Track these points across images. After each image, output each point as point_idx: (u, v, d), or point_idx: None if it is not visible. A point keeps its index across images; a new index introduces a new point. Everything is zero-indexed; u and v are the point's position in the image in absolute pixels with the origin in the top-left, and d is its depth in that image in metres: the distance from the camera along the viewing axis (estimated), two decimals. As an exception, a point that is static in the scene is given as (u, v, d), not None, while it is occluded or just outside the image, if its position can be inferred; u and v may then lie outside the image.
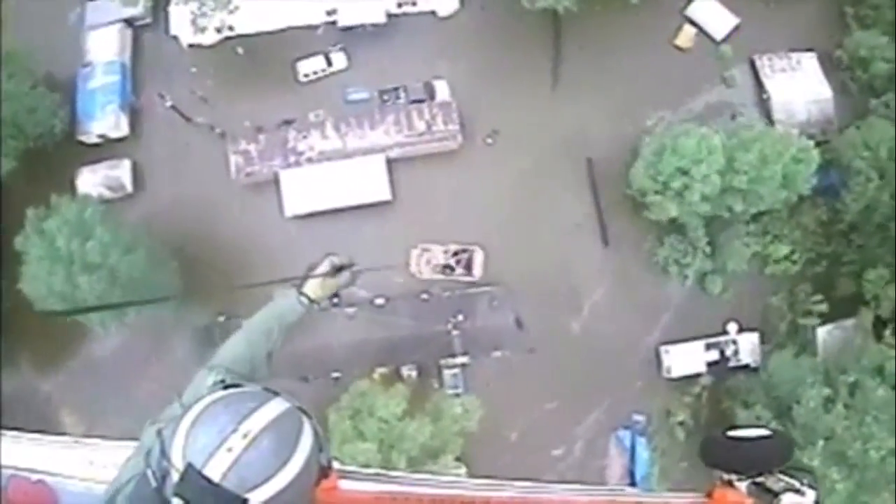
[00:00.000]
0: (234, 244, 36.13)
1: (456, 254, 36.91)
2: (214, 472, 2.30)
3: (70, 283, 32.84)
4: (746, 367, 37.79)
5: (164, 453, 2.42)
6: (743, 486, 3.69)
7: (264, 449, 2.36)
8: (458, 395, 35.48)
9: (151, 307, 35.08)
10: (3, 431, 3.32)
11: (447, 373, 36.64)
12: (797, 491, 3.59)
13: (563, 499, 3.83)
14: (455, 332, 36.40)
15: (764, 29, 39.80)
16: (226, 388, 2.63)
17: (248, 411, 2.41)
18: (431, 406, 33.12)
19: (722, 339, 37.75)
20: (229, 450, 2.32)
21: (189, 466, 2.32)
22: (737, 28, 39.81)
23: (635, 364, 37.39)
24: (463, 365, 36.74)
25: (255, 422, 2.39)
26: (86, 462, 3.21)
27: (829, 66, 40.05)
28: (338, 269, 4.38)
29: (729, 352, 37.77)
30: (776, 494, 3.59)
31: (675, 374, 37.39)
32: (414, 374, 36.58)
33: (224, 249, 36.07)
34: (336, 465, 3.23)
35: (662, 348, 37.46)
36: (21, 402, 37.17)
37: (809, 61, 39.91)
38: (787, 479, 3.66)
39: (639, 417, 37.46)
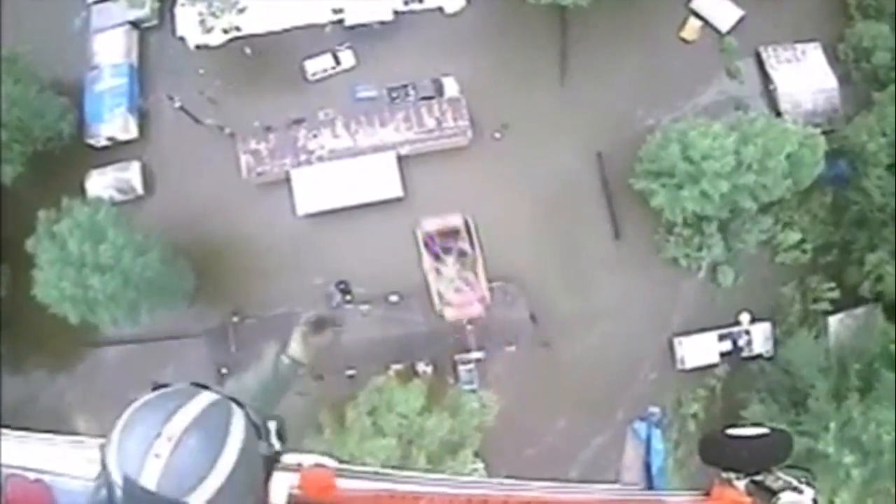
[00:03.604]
0: (247, 244, 36.11)
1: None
2: (149, 480, 2.23)
3: (82, 286, 32.79)
4: (759, 356, 37.94)
5: (104, 467, 2.36)
6: (741, 484, 3.65)
7: (191, 449, 2.28)
8: (473, 391, 35.51)
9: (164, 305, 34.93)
10: (2, 430, 3.27)
11: (462, 368, 36.65)
12: (796, 489, 3.57)
13: (562, 497, 3.75)
14: (469, 328, 36.37)
15: (768, 20, 40.06)
16: (154, 388, 2.55)
17: (169, 413, 2.33)
18: (449, 401, 33.13)
19: (735, 329, 37.90)
20: (157, 456, 2.24)
21: (126, 479, 2.26)
22: (742, 20, 40.05)
23: (649, 355, 37.48)
24: (478, 360, 36.75)
25: (178, 422, 2.31)
26: (85, 461, 3.18)
27: (834, 57, 40.34)
28: (320, 325, 4.22)
29: (742, 342, 37.90)
30: (775, 492, 3.56)
31: (689, 365, 37.51)
32: (429, 370, 36.57)
33: (236, 249, 36.06)
34: (333, 463, 3.22)
35: (676, 339, 37.57)
36: (32, 406, 37.09)
37: (814, 52, 40.17)
38: (785, 477, 3.64)
39: (654, 409, 37.52)
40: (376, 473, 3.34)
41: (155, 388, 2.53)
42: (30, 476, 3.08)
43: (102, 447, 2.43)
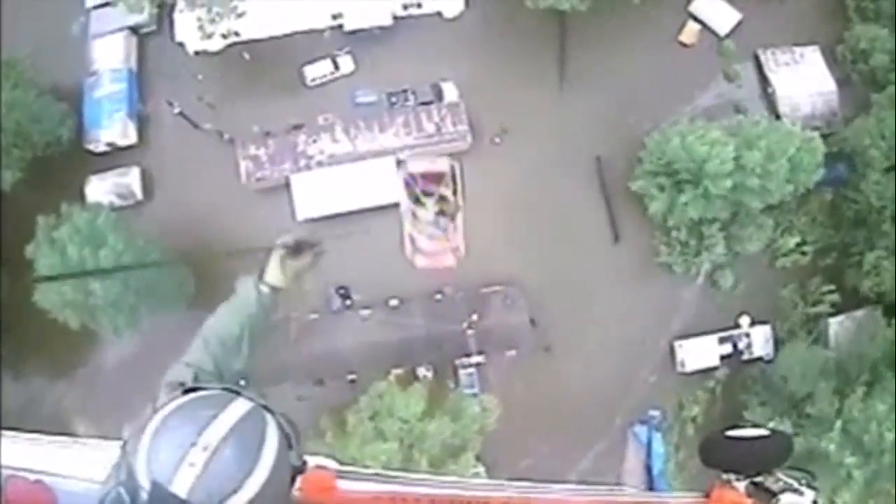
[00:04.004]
0: (247, 249, 36.06)
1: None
2: (181, 488, 2.21)
3: (83, 291, 32.80)
4: (759, 359, 38.04)
5: (130, 471, 2.31)
6: (741, 485, 3.71)
7: (227, 459, 2.26)
8: (474, 395, 35.53)
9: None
10: (2, 431, 3.26)
11: (463, 373, 36.69)
12: (796, 491, 3.63)
13: (562, 499, 3.80)
14: (469, 332, 36.39)
15: (767, 24, 40.15)
16: (185, 391, 2.52)
17: (206, 421, 2.31)
18: (450, 405, 33.13)
19: (735, 332, 37.98)
20: (191, 465, 2.22)
21: (155, 485, 2.23)
22: (740, 23, 40.17)
23: (649, 359, 37.54)
24: (478, 364, 36.78)
25: (215, 432, 2.28)
26: (85, 462, 3.18)
27: (833, 60, 40.44)
28: (298, 249, 3.99)
29: (742, 345, 37.98)
30: (775, 494, 3.62)
31: (689, 368, 37.57)
32: (429, 374, 36.59)
33: (236, 254, 36.00)
34: (334, 464, 3.24)
35: (676, 343, 37.63)
36: (33, 410, 37.06)
37: (813, 55, 40.27)
38: (785, 478, 3.69)
39: (654, 412, 37.57)
40: (377, 475, 3.37)
41: (186, 392, 2.52)
42: (30, 477, 3.07)
43: (124, 448, 2.41)
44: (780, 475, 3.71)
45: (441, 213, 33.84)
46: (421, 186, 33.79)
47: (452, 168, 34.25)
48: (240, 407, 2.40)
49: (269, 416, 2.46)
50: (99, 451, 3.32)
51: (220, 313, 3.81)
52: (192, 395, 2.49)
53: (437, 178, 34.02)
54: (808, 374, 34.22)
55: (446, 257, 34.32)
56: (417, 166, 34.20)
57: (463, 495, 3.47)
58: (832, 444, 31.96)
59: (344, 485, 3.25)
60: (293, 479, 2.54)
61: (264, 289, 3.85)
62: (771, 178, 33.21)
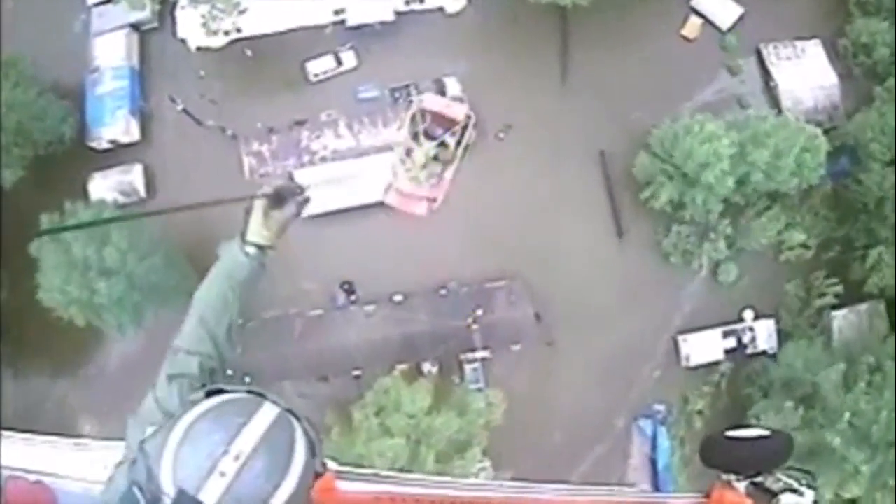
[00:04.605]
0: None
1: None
2: (209, 498, 2.17)
3: (88, 290, 32.70)
4: (764, 353, 38.00)
5: (151, 476, 2.27)
6: (742, 486, 3.70)
7: (258, 469, 2.22)
8: (479, 390, 35.51)
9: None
10: (2, 432, 3.23)
11: (468, 367, 36.65)
12: (796, 491, 3.62)
13: (561, 499, 3.78)
14: (474, 327, 36.36)
15: (769, 18, 40.12)
16: (208, 394, 2.45)
17: (236, 429, 2.26)
18: (456, 400, 33.11)
19: (739, 326, 37.97)
20: (222, 474, 2.18)
21: (181, 493, 2.18)
22: (742, 17, 40.10)
23: (654, 353, 37.54)
24: (483, 359, 36.75)
25: (246, 440, 2.24)
26: (84, 462, 3.16)
27: (834, 53, 40.47)
28: (280, 198, 3.63)
29: (746, 339, 37.98)
30: (775, 494, 3.62)
31: (694, 362, 37.57)
32: (434, 369, 36.55)
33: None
34: (334, 465, 3.22)
35: (680, 337, 37.61)
36: (37, 410, 36.99)
37: (814, 48, 40.28)
38: (785, 479, 3.68)
39: (659, 407, 37.58)
40: (376, 476, 3.37)
41: (209, 394, 2.45)
42: (30, 477, 3.06)
43: (143, 449, 2.35)
44: (780, 475, 3.70)
45: (436, 158, 32.81)
46: (427, 125, 32.62)
47: (467, 118, 33.32)
48: (268, 413, 2.35)
49: (295, 423, 2.42)
50: (98, 451, 3.30)
51: (210, 285, 3.51)
52: (217, 400, 2.41)
53: (447, 122, 33.05)
54: (813, 367, 34.24)
55: (419, 205, 33.23)
56: (432, 104, 33.07)
57: (461, 496, 3.45)
58: (838, 437, 32.00)
59: (344, 485, 3.23)
60: (313, 484, 2.47)
61: (250, 249, 3.54)
62: (778, 174, 33.24)
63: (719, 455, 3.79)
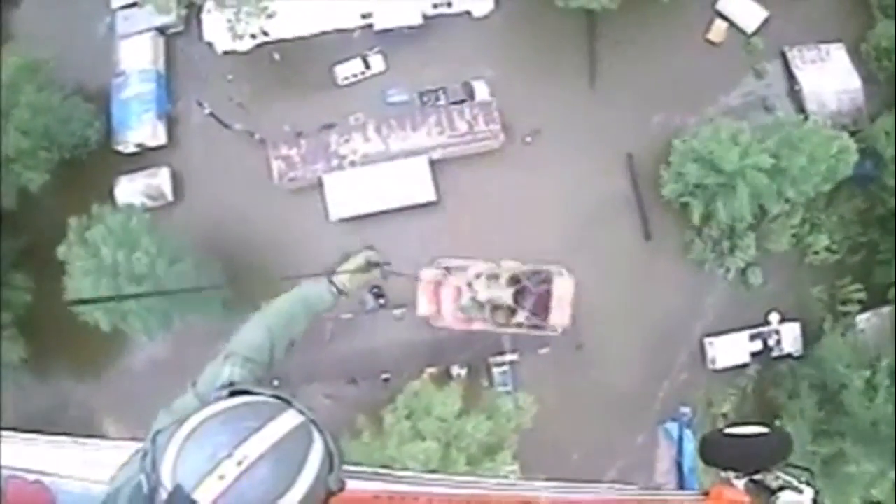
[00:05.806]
0: (280, 250, 36.01)
1: (518, 281, 30.15)
2: (203, 498, 2.07)
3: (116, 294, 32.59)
4: (789, 356, 38.16)
5: (154, 466, 2.20)
6: (741, 483, 3.74)
7: (260, 479, 2.10)
8: (508, 393, 35.56)
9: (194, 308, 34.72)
10: (2, 432, 3.23)
11: (496, 371, 36.73)
12: (795, 488, 3.65)
13: (563, 497, 3.78)
14: (503, 330, 36.33)
15: (793, 21, 40.26)
16: (232, 394, 2.38)
17: (246, 433, 2.15)
18: (486, 403, 33.16)
19: (765, 329, 38.11)
20: (221, 477, 2.08)
21: (177, 489, 2.10)
22: (767, 21, 40.23)
23: (680, 356, 37.66)
24: (512, 363, 36.80)
25: (253, 447, 2.13)
26: (84, 462, 3.17)
27: (858, 57, 40.57)
28: (371, 265, 4.48)
29: (772, 342, 38.14)
30: (774, 492, 3.65)
31: (720, 365, 37.70)
32: (463, 373, 36.64)
33: (269, 255, 35.94)
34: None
35: (707, 340, 37.75)
36: (63, 411, 37.05)
37: (838, 52, 40.38)
38: (784, 476, 3.71)
39: (685, 409, 37.63)
40: (375, 473, 3.33)
41: (233, 395, 2.37)
42: (29, 477, 3.07)
43: (154, 439, 2.30)
44: (779, 473, 3.73)
45: (496, 308, 31.25)
46: (529, 300, 31.11)
47: (555, 329, 31.66)
48: (287, 421, 2.25)
49: (316, 435, 2.31)
50: (98, 451, 3.30)
51: (284, 304, 3.97)
52: (238, 400, 2.33)
53: (542, 311, 31.06)
54: (842, 367, 34.34)
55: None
56: (559, 290, 30.59)
57: (461, 493, 3.46)
58: (860, 443, 32.23)
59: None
60: (326, 502, 2.33)
61: (334, 290, 4.27)
62: (809, 180, 33.33)
63: (718, 452, 3.83)
